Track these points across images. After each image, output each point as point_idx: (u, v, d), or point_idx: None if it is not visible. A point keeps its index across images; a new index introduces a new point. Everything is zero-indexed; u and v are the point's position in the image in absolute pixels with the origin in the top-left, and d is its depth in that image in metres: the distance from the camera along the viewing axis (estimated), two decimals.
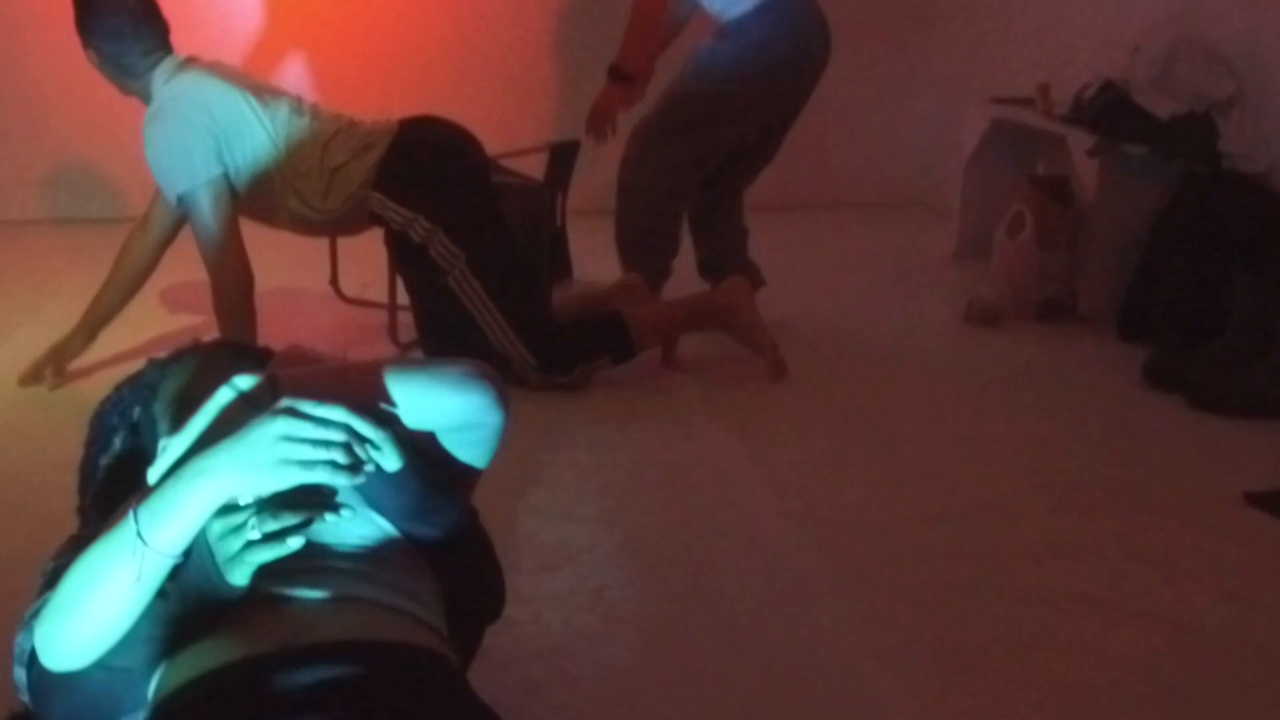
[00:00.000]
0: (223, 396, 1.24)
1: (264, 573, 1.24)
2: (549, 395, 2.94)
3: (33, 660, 1.40)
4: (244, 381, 1.26)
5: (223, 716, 1.16)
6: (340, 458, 1.17)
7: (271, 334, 2.99)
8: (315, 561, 1.32)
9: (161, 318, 3.48)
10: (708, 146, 3.36)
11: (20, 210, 4.70)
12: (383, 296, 3.41)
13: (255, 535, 1.17)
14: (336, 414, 1.19)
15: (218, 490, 1.16)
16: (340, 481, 1.18)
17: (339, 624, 1.25)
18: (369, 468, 1.19)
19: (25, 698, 1.44)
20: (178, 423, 1.27)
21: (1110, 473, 2.64)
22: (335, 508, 1.21)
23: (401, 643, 1.27)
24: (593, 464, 2.65)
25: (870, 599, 2.10)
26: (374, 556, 1.36)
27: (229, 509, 1.19)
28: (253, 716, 1.15)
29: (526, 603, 1.99)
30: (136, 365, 1.67)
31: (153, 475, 1.21)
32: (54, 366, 2.97)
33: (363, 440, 1.20)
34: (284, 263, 3.40)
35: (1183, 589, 2.11)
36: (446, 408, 1.39)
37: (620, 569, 2.20)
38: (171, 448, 1.22)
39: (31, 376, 2.97)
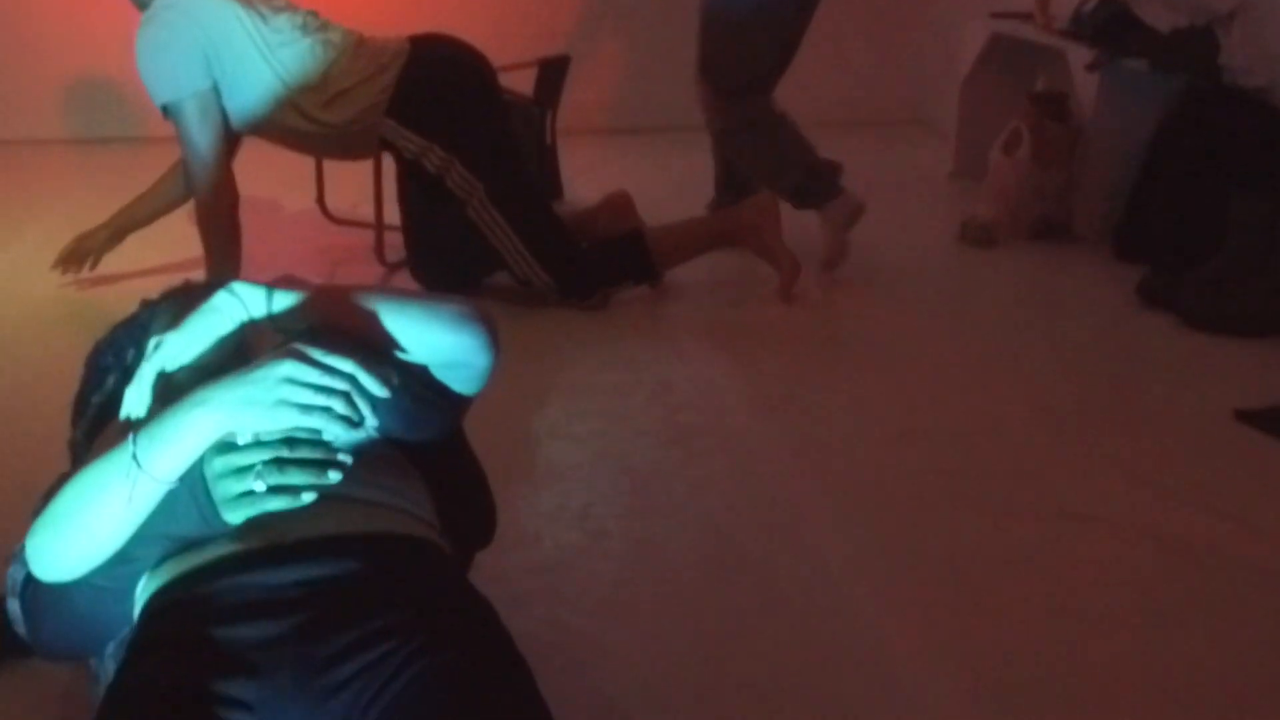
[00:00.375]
0: (220, 299, 1.25)
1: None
2: (533, 315, 2.92)
3: (24, 587, 1.40)
4: (242, 287, 1.27)
5: (210, 614, 1.16)
6: (339, 407, 1.18)
7: (257, 253, 2.97)
8: None
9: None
10: (763, 63, 3.23)
11: (39, 130, 4.64)
12: (370, 216, 3.37)
13: (260, 488, 1.17)
14: (345, 365, 1.20)
15: (216, 423, 1.17)
16: (336, 430, 1.18)
17: (326, 520, 1.24)
18: (369, 423, 1.20)
19: (21, 629, 1.44)
20: None
21: (1101, 391, 2.63)
22: (341, 466, 1.20)
23: (392, 533, 1.28)
24: (581, 383, 2.64)
25: (857, 514, 2.10)
26: (359, 456, 1.36)
27: (231, 448, 1.19)
28: (242, 613, 1.15)
29: (514, 519, 1.98)
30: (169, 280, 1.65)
31: (142, 373, 1.23)
32: (91, 260, 2.98)
33: (364, 394, 1.20)
34: (270, 181, 3.36)
35: (1171, 506, 2.11)
36: (438, 345, 1.39)
37: (608, 487, 2.19)
38: (166, 343, 1.24)
39: (63, 262, 2.97)
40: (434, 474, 1.43)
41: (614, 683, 1.63)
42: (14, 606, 1.45)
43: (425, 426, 1.43)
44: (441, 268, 3.01)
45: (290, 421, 1.17)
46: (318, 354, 1.19)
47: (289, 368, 1.18)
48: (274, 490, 1.17)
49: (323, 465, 1.19)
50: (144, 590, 1.27)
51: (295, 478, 1.18)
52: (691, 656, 1.70)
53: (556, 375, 2.65)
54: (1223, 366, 2.74)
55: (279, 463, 1.18)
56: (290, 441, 1.19)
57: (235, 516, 1.20)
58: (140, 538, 1.24)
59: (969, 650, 1.72)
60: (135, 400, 1.26)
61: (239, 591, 1.18)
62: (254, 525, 1.22)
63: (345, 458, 1.21)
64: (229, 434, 1.18)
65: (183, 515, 1.21)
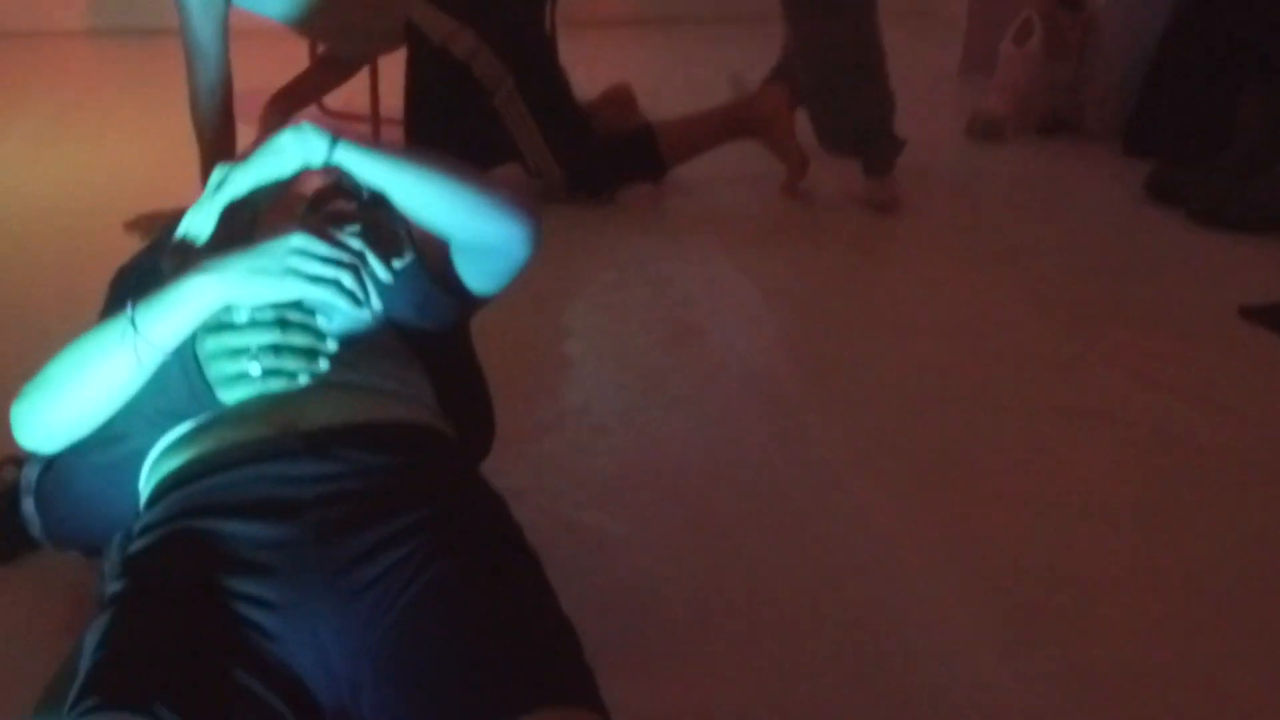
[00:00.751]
0: (285, 139, 1.24)
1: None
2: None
3: (39, 481, 1.40)
4: (309, 131, 1.25)
5: (223, 509, 1.15)
6: (347, 281, 1.17)
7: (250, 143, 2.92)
8: None
9: None
10: None
11: (62, 21, 4.56)
12: (366, 109, 3.31)
13: (255, 371, 1.17)
14: (353, 243, 1.20)
15: (221, 289, 1.16)
16: (342, 305, 1.18)
17: (334, 407, 1.24)
18: (374, 304, 1.19)
19: (36, 529, 1.45)
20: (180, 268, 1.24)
21: (1105, 287, 2.60)
22: (330, 354, 1.20)
23: (404, 422, 1.27)
24: (582, 279, 2.62)
25: (856, 407, 2.09)
26: (360, 344, 1.35)
27: (225, 328, 1.18)
28: (258, 512, 1.14)
29: (512, 416, 1.97)
30: None
31: (207, 201, 1.23)
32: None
33: (372, 274, 1.20)
34: (264, 72, 3.29)
35: (1172, 401, 2.10)
36: (484, 226, 1.38)
37: (607, 384, 2.19)
38: (231, 177, 1.24)
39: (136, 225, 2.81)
40: (437, 375, 1.42)
41: (613, 574, 1.64)
42: (29, 505, 1.45)
43: (435, 314, 1.42)
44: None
45: (297, 293, 1.17)
46: (328, 230, 1.19)
47: (299, 240, 1.17)
48: (269, 373, 1.17)
49: (314, 353, 1.19)
50: (150, 477, 1.27)
51: (289, 362, 1.17)
52: (691, 549, 1.71)
53: (557, 271, 2.63)
54: (1230, 262, 2.71)
55: (275, 347, 1.17)
56: (284, 324, 1.18)
57: (230, 396, 1.19)
58: (133, 413, 1.23)
59: (968, 543, 1.73)
60: (200, 223, 1.25)
61: (253, 487, 1.17)
62: (260, 412, 1.22)
63: (333, 344, 1.21)
64: (230, 306, 1.17)
65: (174, 392, 1.21)
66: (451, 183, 1.34)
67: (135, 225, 2.72)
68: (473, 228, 1.37)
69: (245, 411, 1.22)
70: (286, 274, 1.16)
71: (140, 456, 1.30)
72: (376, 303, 1.20)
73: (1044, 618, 1.57)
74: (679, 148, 3.00)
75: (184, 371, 1.20)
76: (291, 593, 1.10)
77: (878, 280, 2.63)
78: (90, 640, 1.08)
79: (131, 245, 2.46)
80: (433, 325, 1.42)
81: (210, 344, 1.19)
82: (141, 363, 1.18)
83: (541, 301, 2.47)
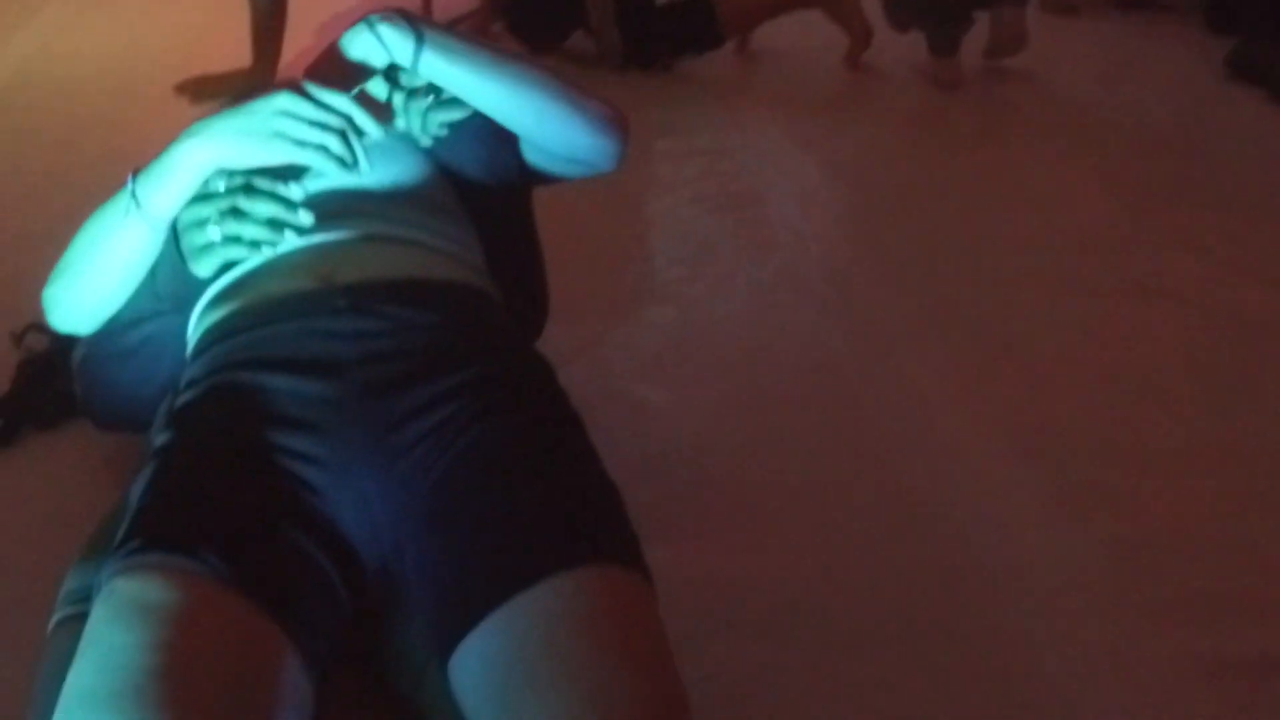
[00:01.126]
0: (366, 37, 1.22)
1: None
2: (590, 80, 2.81)
3: (79, 369, 1.41)
4: (385, 28, 1.22)
5: (267, 364, 1.14)
6: (334, 144, 1.13)
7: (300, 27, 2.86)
8: (343, 204, 1.28)
9: None
10: None
11: None
12: None
13: (216, 237, 1.16)
14: (340, 102, 1.15)
15: (210, 154, 1.13)
16: (329, 169, 1.15)
17: (377, 262, 1.22)
18: (363, 167, 1.15)
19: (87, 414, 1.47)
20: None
21: (1178, 166, 2.51)
22: (301, 226, 1.18)
23: (447, 281, 1.24)
24: (635, 150, 2.55)
25: (912, 283, 2.04)
26: (412, 199, 1.33)
27: (200, 197, 1.17)
28: (302, 368, 1.13)
29: (559, 286, 1.95)
30: None
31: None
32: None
33: (360, 135, 1.16)
34: None
35: (1233, 280, 2.04)
36: (572, 139, 1.36)
37: (658, 254, 2.15)
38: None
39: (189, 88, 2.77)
40: (494, 243, 1.39)
41: (658, 444, 1.62)
42: (77, 388, 1.47)
43: (498, 171, 1.39)
44: (533, 24, 2.93)
45: (284, 155, 1.13)
46: (314, 89, 1.15)
47: (285, 100, 1.13)
48: (229, 241, 1.15)
49: (279, 223, 1.17)
50: (195, 330, 1.26)
51: (250, 229, 1.15)
52: (737, 420, 1.69)
53: None
54: None
55: (235, 212, 1.15)
56: (249, 190, 1.16)
57: (202, 269, 1.18)
58: (143, 293, 1.24)
59: (1020, 418, 1.69)
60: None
61: (295, 341, 1.15)
62: (301, 265, 1.20)
63: (307, 217, 1.18)
64: (223, 164, 1.15)
65: (163, 269, 1.22)
66: (540, 94, 1.31)
67: (185, 89, 2.69)
68: (559, 140, 1.35)
69: (287, 264, 1.20)
70: (273, 137, 1.12)
71: (167, 337, 1.31)
72: (366, 165, 1.16)
73: (1094, 492, 1.54)
74: (738, 18, 2.92)
75: (170, 247, 1.19)
76: (335, 449, 1.09)
77: (939, 157, 2.55)
78: (136, 489, 1.09)
79: (181, 109, 2.46)
80: (495, 181, 1.39)
81: (183, 215, 1.17)
82: (147, 235, 1.18)
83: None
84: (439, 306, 1.20)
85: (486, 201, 1.40)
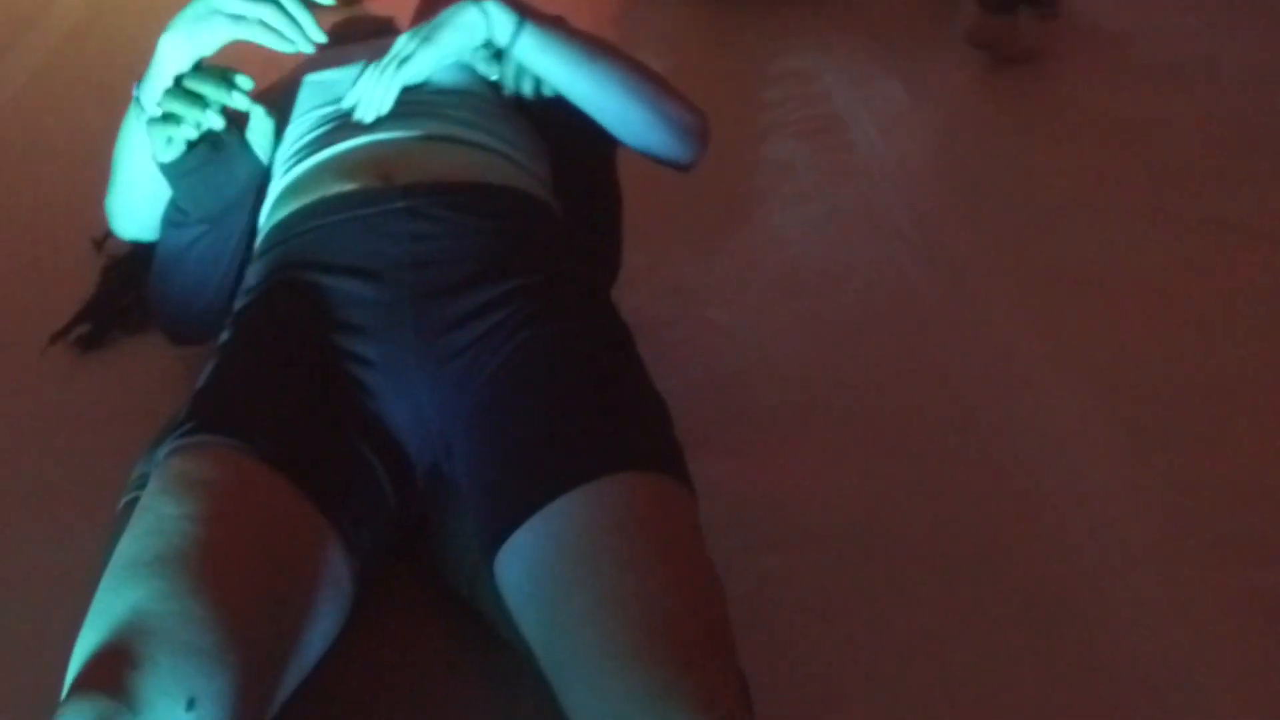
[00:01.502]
0: (470, 16, 1.29)
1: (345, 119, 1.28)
2: (666, 9, 2.79)
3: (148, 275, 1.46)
4: (494, 7, 1.29)
5: (325, 265, 1.17)
6: (269, 15, 1.17)
7: None
8: (410, 104, 1.31)
9: None
10: None
11: None
12: None
13: (155, 112, 1.19)
14: None
15: (171, 42, 1.18)
16: (270, 43, 1.18)
17: (436, 162, 1.24)
18: (297, 43, 1.19)
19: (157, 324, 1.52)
20: None
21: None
22: (222, 104, 1.20)
23: (506, 187, 1.26)
24: (717, 69, 2.53)
25: (995, 214, 2.00)
26: (477, 101, 1.36)
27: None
28: (358, 271, 1.15)
29: (630, 201, 1.95)
30: None
31: (388, 77, 1.30)
32: None
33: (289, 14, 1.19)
34: None
35: None
36: (651, 140, 1.40)
37: (732, 174, 2.12)
38: (417, 57, 1.30)
39: None
40: (572, 196, 1.41)
41: (716, 363, 1.62)
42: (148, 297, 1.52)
43: (579, 121, 1.40)
44: None
45: (227, 32, 1.17)
46: None
47: None
48: (169, 117, 1.18)
49: (202, 100, 1.18)
50: (261, 231, 1.30)
51: (178, 106, 1.17)
52: (801, 344, 1.68)
53: (692, 60, 2.55)
54: None
55: (171, 92, 1.18)
56: (196, 70, 1.19)
57: (162, 155, 1.22)
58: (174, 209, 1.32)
59: (1098, 352, 1.65)
60: (381, 97, 1.28)
61: (351, 242, 1.17)
62: (361, 163, 1.22)
63: (241, 100, 1.20)
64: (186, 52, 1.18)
65: (182, 189, 1.28)
66: (625, 96, 1.35)
67: None
68: (638, 139, 1.40)
69: (349, 162, 1.23)
70: (212, 15, 1.16)
71: (211, 247, 1.35)
72: (318, 35, 1.19)
73: (1169, 431, 1.51)
74: None
75: (173, 167, 1.24)
76: (388, 353, 1.12)
77: (1032, 87, 2.47)
78: (199, 383, 1.12)
79: None
80: (580, 138, 1.42)
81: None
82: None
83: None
84: (496, 212, 1.21)
85: (571, 149, 1.42)
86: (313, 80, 1.42)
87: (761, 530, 1.33)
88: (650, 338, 1.30)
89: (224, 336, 1.18)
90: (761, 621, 1.19)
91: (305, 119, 1.36)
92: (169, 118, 1.18)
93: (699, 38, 2.67)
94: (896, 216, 1.99)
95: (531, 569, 0.97)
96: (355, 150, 1.24)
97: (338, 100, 1.35)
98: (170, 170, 1.24)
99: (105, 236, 1.74)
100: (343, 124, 1.32)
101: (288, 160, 1.32)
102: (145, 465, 1.19)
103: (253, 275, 1.23)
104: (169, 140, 1.20)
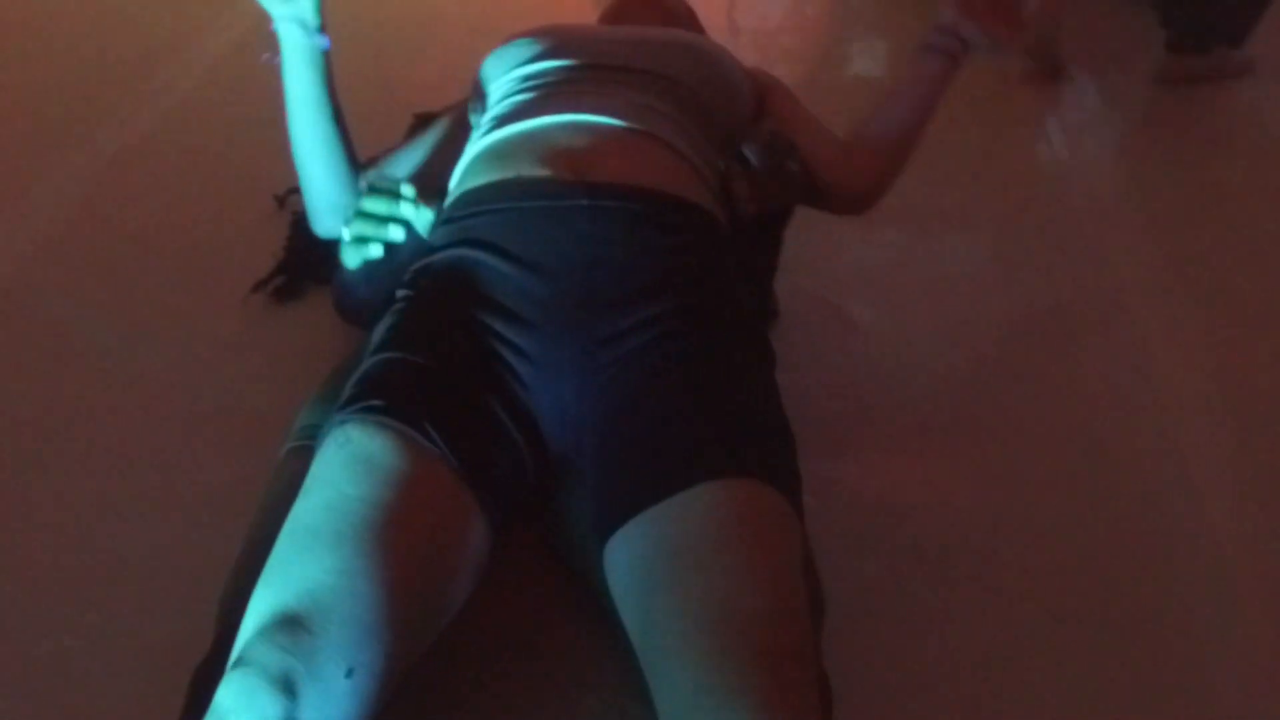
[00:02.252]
0: None
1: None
2: None
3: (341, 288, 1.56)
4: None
5: (502, 249, 1.22)
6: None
7: None
8: (628, 70, 1.39)
9: None
10: None
11: None
12: None
13: (347, 236, 1.31)
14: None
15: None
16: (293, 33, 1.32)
17: (629, 164, 1.27)
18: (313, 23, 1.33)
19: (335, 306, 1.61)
20: None
21: None
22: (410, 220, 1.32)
23: (683, 199, 1.27)
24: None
25: (1157, 232, 1.94)
26: (682, 97, 1.41)
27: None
28: (533, 266, 1.20)
29: None
30: None
31: None
32: None
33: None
34: None
35: None
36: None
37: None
38: None
39: None
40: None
41: (855, 359, 1.64)
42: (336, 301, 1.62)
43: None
44: None
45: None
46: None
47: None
48: (358, 240, 1.31)
49: (385, 220, 1.31)
50: (454, 188, 1.35)
51: (364, 228, 1.31)
52: (942, 342, 1.69)
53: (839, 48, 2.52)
54: None
55: (360, 214, 1.30)
56: (371, 189, 1.31)
57: (349, 262, 1.33)
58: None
59: (1240, 386, 1.62)
60: None
61: (532, 232, 1.21)
62: (559, 153, 1.26)
63: (409, 190, 1.32)
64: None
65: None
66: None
67: None
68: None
69: (550, 144, 1.28)
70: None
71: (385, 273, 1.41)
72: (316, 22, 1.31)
73: None
74: None
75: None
76: (546, 350, 1.17)
77: (1225, 104, 2.36)
78: (375, 336, 1.20)
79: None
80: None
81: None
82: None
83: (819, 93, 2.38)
84: (672, 227, 1.24)
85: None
86: (523, 41, 1.49)
87: (872, 536, 1.35)
88: (791, 328, 1.29)
89: (401, 295, 1.25)
90: (853, 626, 1.22)
91: (509, 78, 1.43)
92: (359, 240, 1.31)
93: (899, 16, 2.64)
94: (1056, 227, 1.95)
95: (633, 562, 1.02)
96: (556, 130, 1.29)
97: (543, 59, 1.41)
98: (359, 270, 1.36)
99: (287, 193, 1.86)
100: (550, 91, 1.37)
101: (489, 122, 1.38)
102: (309, 417, 1.28)
103: (439, 236, 1.29)
104: (364, 259, 1.32)
